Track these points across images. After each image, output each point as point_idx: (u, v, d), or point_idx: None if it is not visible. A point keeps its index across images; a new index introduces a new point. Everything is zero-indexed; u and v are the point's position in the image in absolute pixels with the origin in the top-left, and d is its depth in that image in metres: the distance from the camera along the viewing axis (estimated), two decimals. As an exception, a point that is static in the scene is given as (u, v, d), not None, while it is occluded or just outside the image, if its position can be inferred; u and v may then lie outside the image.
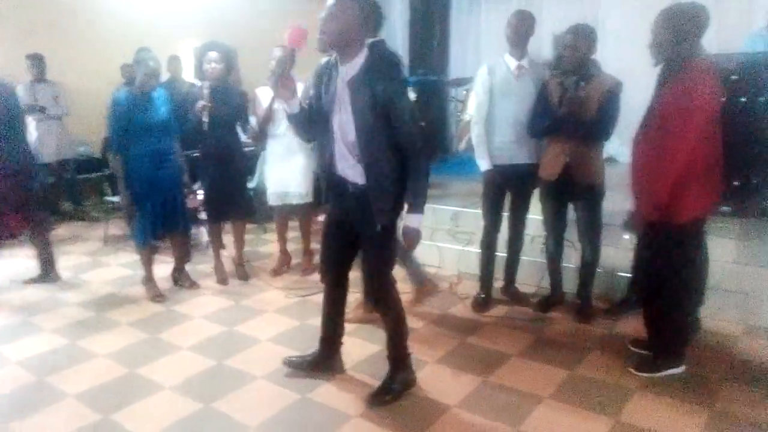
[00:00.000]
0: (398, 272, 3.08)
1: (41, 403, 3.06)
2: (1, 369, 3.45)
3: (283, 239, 4.97)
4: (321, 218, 6.01)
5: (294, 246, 5.24)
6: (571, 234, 3.95)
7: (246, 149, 5.01)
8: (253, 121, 4.71)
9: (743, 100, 4.24)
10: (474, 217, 4.58)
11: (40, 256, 4.84)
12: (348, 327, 3.55)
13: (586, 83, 3.50)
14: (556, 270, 4.05)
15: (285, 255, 4.99)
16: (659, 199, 2.88)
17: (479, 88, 3.88)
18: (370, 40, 2.69)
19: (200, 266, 5.10)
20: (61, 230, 6.54)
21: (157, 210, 4.29)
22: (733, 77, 4.24)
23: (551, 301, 4.09)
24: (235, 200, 4.69)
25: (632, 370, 3.22)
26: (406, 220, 2.78)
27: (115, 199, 5.87)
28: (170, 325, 3.99)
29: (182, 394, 3.12)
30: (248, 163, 5.14)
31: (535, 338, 3.69)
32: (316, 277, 4.77)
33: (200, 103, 4.35)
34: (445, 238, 5.03)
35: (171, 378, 3.28)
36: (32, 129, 6.38)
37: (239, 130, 4.66)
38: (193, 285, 4.67)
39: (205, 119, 4.35)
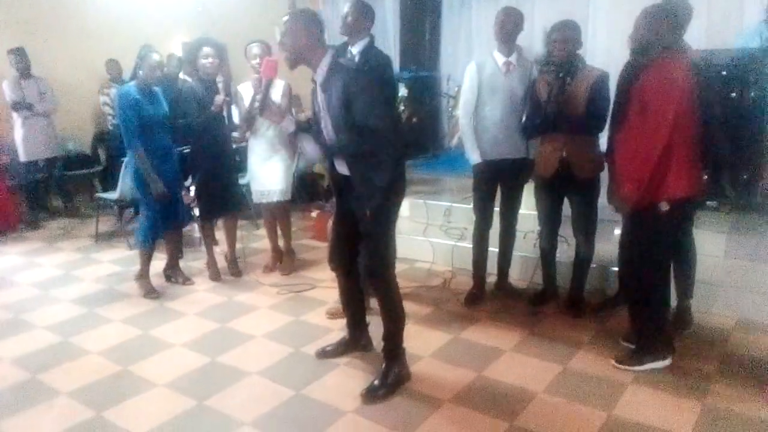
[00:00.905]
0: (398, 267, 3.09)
1: (34, 401, 3.04)
2: (-7, 367, 3.43)
3: (273, 237, 4.96)
4: (314, 214, 6.03)
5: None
6: (565, 229, 3.96)
7: (238, 144, 4.99)
8: (234, 115, 4.68)
9: (733, 95, 4.27)
10: (466, 213, 4.59)
11: None
12: (341, 322, 3.57)
13: (572, 78, 3.51)
14: (549, 265, 4.06)
15: (276, 252, 4.97)
16: (641, 176, 2.94)
17: (467, 85, 3.91)
18: (335, 44, 2.98)
19: (193, 263, 5.08)
20: (52, 227, 6.50)
21: (164, 206, 4.27)
22: (723, 73, 4.26)
23: (544, 296, 4.10)
24: (228, 197, 4.67)
25: (614, 363, 3.25)
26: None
27: (109, 195, 5.82)
28: (163, 321, 3.98)
29: (175, 390, 3.12)
30: (240, 159, 5.12)
31: (528, 333, 3.70)
32: (308, 273, 4.82)
33: (219, 98, 4.35)
34: (437, 233, 5.04)
35: (164, 375, 3.27)
36: (18, 126, 6.32)
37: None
38: (186, 281, 4.65)
39: (225, 113, 4.39)
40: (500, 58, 3.81)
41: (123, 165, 5.17)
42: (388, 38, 8.87)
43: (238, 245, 4.98)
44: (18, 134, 6.36)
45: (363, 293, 3.37)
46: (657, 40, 2.91)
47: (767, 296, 3.76)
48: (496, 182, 3.98)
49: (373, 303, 3.43)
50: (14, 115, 6.34)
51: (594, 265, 3.98)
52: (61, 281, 4.81)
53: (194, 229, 5.69)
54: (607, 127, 3.52)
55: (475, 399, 2.98)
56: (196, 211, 4.82)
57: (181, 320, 4.01)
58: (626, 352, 3.30)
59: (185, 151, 4.73)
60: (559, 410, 2.88)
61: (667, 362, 3.19)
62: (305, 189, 6.95)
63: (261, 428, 2.78)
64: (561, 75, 3.49)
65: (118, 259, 5.27)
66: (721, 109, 3.56)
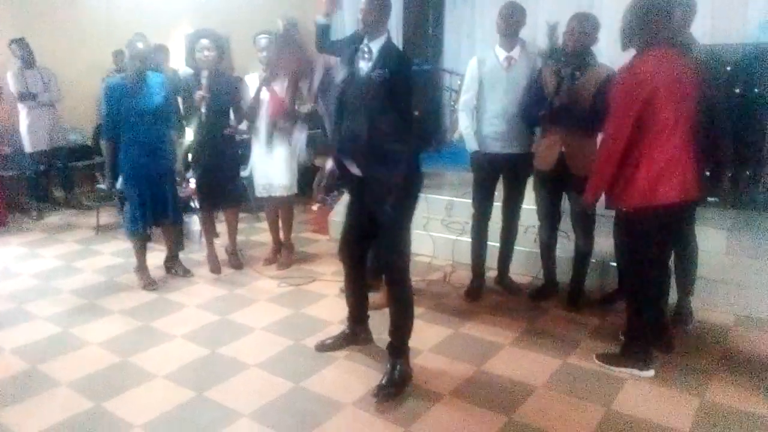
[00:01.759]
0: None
1: (34, 391, 3.05)
2: (-7, 357, 3.44)
3: (274, 230, 4.95)
4: (315, 207, 6.03)
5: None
6: (565, 224, 3.96)
7: (241, 137, 4.98)
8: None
9: (738, 91, 4.25)
10: (467, 207, 4.57)
11: None
12: (341, 316, 3.57)
13: (582, 73, 3.49)
14: (549, 260, 4.06)
15: (277, 245, 4.97)
16: (597, 183, 3.00)
17: (467, 80, 3.92)
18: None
19: (193, 255, 5.09)
20: (53, 218, 6.51)
21: (146, 199, 4.25)
22: (728, 68, 4.24)
23: (544, 291, 4.10)
24: (228, 189, 4.66)
25: (594, 357, 3.25)
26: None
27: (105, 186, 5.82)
28: (163, 313, 3.98)
29: (175, 382, 3.12)
30: (242, 152, 5.11)
31: (528, 328, 3.70)
32: (308, 266, 4.82)
33: (198, 94, 4.33)
34: (438, 227, 5.04)
35: (164, 366, 3.27)
36: (24, 117, 6.32)
37: (232, 117, 4.64)
38: (186, 273, 4.65)
39: (203, 110, 4.34)
40: (501, 53, 3.81)
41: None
42: (391, 32, 8.84)
43: (238, 238, 4.98)
44: (23, 125, 6.35)
45: (367, 288, 3.37)
46: (641, 32, 2.81)
47: (767, 293, 3.76)
48: (498, 177, 3.98)
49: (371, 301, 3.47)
50: (19, 105, 6.33)
51: (594, 260, 3.98)
52: (62, 272, 4.81)
53: (195, 222, 5.69)
54: None
55: (475, 393, 2.98)
56: (196, 203, 4.82)
57: (181, 312, 4.01)
58: (611, 350, 3.29)
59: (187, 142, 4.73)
60: (558, 405, 2.88)
61: (646, 373, 3.08)
62: (306, 182, 6.94)
63: (260, 420, 2.78)
64: (571, 67, 3.47)
65: (119, 251, 5.27)
66: (725, 106, 3.51)
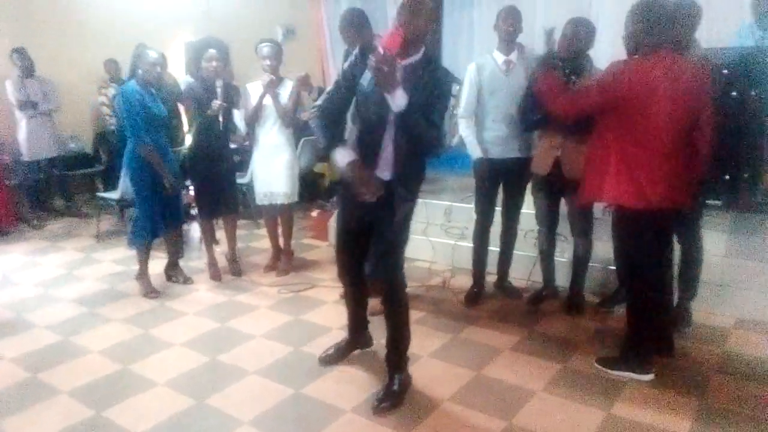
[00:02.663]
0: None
1: (34, 400, 3.05)
2: (-6, 366, 3.44)
3: (274, 237, 4.96)
4: (314, 214, 6.04)
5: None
6: (564, 228, 3.97)
7: (239, 145, 5.00)
8: (237, 117, 4.69)
9: (734, 94, 4.25)
10: (467, 212, 4.59)
11: None
12: (340, 322, 3.57)
13: (578, 77, 3.50)
14: (548, 264, 4.06)
15: (276, 252, 4.98)
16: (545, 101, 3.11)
17: (467, 85, 3.93)
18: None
19: (193, 262, 5.10)
20: (53, 227, 6.52)
21: (160, 206, 4.28)
22: (725, 71, 4.25)
23: (544, 295, 4.11)
24: (227, 196, 4.68)
25: (594, 361, 3.25)
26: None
27: (111, 195, 5.83)
28: (163, 320, 3.99)
29: (176, 389, 3.12)
30: (240, 159, 5.13)
31: (527, 332, 3.70)
32: (308, 273, 4.83)
33: (216, 103, 4.36)
34: (438, 232, 5.04)
35: (164, 374, 3.28)
36: (23, 126, 6.35)
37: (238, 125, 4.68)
38: (186, 280, 4.66)
39: (221, 119, 4.39)
40: (500, 57, 3.83)
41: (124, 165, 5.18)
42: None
43: (238, 245, 4.99)
44: (22, 133, 6.38)
45: (367, 298, 3.32)
46: (647, 37, 2.82)
47: (767, 296, 3.76)
48: (498, 181, 3.99)
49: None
50: (18, 114, 6.36)
51: (593, 264, 3.98)
52: (63, 281, 4.82)
53: (195, 229, 5.70)
54: None
55: (474, 398, 2.98)
56: (195, 211, 4.83)
57: (181, 319, 4.02)
58: (611, 354, 3.29)
59: (183, 151, 4.75)
60: (558, 409, 2.89)
61: (646, 377, 3.09)
62: (306, 188, 6.96)
63: (260, 427, 2.79)
64: (567, 72, 3.49)
65: (119, 259, 5.28)
66: (721, 109, 3.52)
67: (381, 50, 2.50)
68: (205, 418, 2.88)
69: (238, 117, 4.66)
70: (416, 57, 2.68)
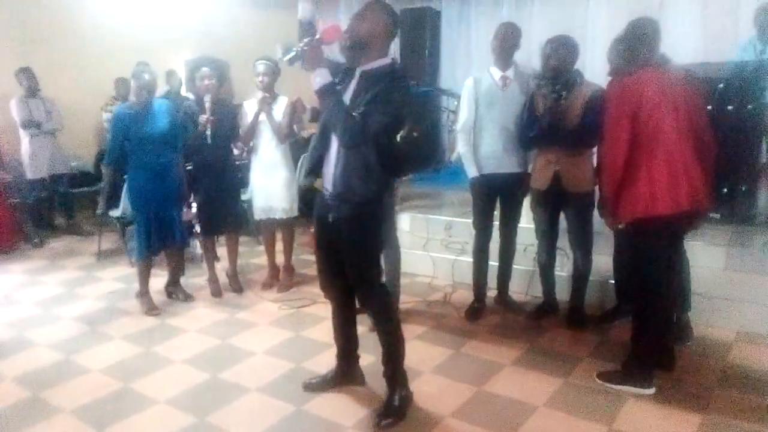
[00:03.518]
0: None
1: (35, 419, 3.05)
2: (-5, 385, 3.44)
3: (271, 253, 4.97)
4: (313, 230, 6.04)
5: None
6: (563, 242, 3.98)
7: (240, 161, 5.03)
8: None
9: (730, 108, 4.29)
10: (467, 227, 4.60)
11: None
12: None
13: (569, 93, 3.54)
14: (548, 278, 4.07)
15: (274, 269, 4.99)
16: (611, 199, 3.07)
17: (464, 101, 3.97)
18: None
19: (194, 279, 5.10)
20: (54, 245, 6.53)
21: (153, 223, 4.29)
22: (720, 86, 4.29)
23: (544, 309, 4.11)
24: (229, 213, 4.70)
25: (595, 376, 3.25)
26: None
27: (112, 213, 5.85)
28: (165, 338, 3.99)
29: (177, 407, 3.12)
30: (242, 175, 5.15)
31: (528, 347, 3.70)
32: (308, 289, 4.83)
33: (203, 117, 4.39)
34: (438, 248, 5.06)
35: (166, 391, 3.27)
36: (26, 144, 6.40)
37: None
38: (187, 298, 4.67)
39: (208, 132, 4.40)
40: (497, 73, 3.86)
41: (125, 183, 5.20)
42: (389, 55, 8.91)
43: (239, 261, 5.00)
44: (25, 152, 6.43)
45: (355, 317, 3.20)
46: (631, 61, 2.99)
47: (767, 308, 3.76)
48: (495, 196, 4.01)
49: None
50: (21, 133, 6.41)
51: (593, 278, 3.99)
52: (64, 299, 4.82)
53: (196, 246, 5.71)
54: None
55: (476, 413, 2.98)
56: (198, 228, 4.85)
57: (182, 337, 4.02)
58: (612, 368, 3.28)
59: (188, 168, 4.77)
60: (560, 424, 2.88)
61: (648, 391, 3.08)
62: (306, 204, 6.97)
63: (261, 445, 2.78)
64: (557, 88, 3.53)
65: (120, 277, 5.29)
66: (718, 123, 3.55)
67: (317, 35, 2.57)
68: (206, 436, 2.88)
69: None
70: (375, 65, 2.70)
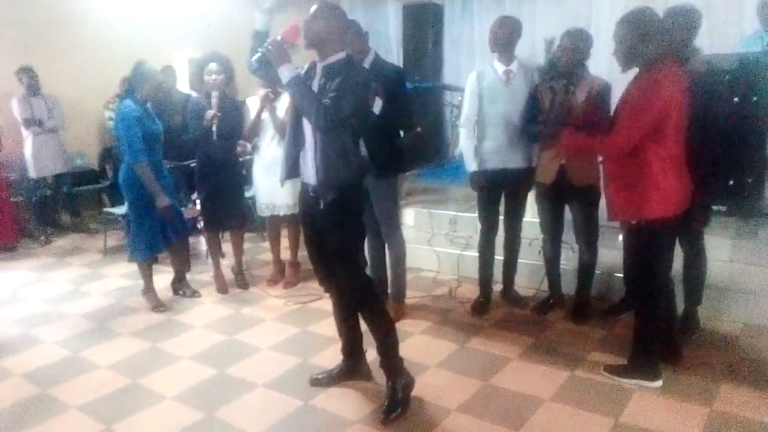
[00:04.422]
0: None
1: (44, 415, 3.07)
2: (4, 381, 3.46)
3: (276, 249, 4.98)
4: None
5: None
6: (569, 236, 3.97)
7: (245, 158, 5.03)
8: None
9: (736, 100, 4.27)
10: (472, 221, 4.61)
11: None
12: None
13: (575, 87, 3.53)
14: (553, 272, 4.07)
15: (278, 265, 4.99)
16: (578, 147, 3.14)
17: (467, 95, 3.96)
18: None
19: (200, 275, 5.11)
20: (60, 243, 6.56)
21: (161, 221, 4.29)
22: (726, 77, 4.27)
23: (550, 303, 4.11)
24: (233, 209, 4.71)
25: (602, 369, 3.25)
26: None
27: (117, 210, 5.87)
28: (171, 334, 4.01)
29: (184, 403, 3.14)
30: (246, 172, 5.15)
31: (534, 341, 3.70)
32: (314, 284, 4.80)
33: (210, 113, 4.39)
34: (443, 242, 5.06)
35: (173, 387, 3.29)
36: (29, 143, 6.41)
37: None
38: (194, 294, 4.68)
39: (214, 129, 4.40)
40: (500, 67, 3.85)
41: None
42: (392, 50, 8.93)
43: (244, 257, 5.01)
44: (28, 151, 6.44)
45: (357, 317, 3.15)
46: (644, 49, 2.81)
47: (774, 300, 3.76)
48: (500, 191, 4.00)
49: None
50: (24, 132, 6.42)
51: (599, 272, 3.98)
52: (71, 296, 4.85)
53: (201, 242, 5.73)
54: None
55: (482, 408, 2.98)
56: (202, 224, 4.86)
57: (188, 333, 4.04)
58: (618, 362, 3.28)
59: (192, 165, 4.77)
60: (567, 417, 2.88)
61: (655, 384, 3.08)
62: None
63: (269, 439, 2.80)
64: (564, 82, 3.52)
65: (126, 274, 5.30)
66: (722, 116, 3.53)
67: (279, 37, 2.77)
68: (213, 431, 2.89)
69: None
70: (334, 59, 2.83)
